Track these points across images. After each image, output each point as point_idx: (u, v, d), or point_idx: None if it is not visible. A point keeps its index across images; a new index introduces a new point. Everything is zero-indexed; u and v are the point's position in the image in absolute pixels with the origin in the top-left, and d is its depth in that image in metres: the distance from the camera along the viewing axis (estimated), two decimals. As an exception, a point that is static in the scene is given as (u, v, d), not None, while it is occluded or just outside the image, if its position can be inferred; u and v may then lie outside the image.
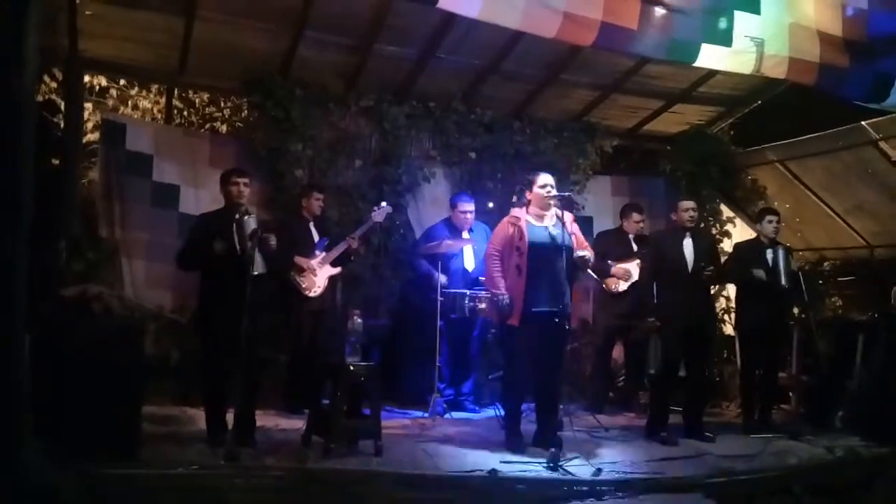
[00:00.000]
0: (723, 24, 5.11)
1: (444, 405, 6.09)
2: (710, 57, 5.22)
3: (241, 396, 4.51)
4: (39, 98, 6.84)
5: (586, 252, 5.05)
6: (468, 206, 6.32)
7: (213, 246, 4.51)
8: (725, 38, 5.14)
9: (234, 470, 3.92)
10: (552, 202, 5.03)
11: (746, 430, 5.85)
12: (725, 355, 7.28)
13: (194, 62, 6.43)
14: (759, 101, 7.68)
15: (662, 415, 5.51)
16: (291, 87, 6.58)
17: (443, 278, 6.08)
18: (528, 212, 5.09)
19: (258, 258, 4.42)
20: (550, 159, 7.40)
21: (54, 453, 3.36)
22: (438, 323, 5.97)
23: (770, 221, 6.09)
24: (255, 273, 4.42)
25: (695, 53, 5.19)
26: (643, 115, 7.92)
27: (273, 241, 4.55)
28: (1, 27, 3.18)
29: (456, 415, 6.09)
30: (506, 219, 5.19)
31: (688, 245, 5.58)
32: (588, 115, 7.75)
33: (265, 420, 5.24)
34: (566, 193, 5.15)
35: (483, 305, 5.95)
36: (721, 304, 7.50)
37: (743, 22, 5.15)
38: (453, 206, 6.41)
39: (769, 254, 5.95)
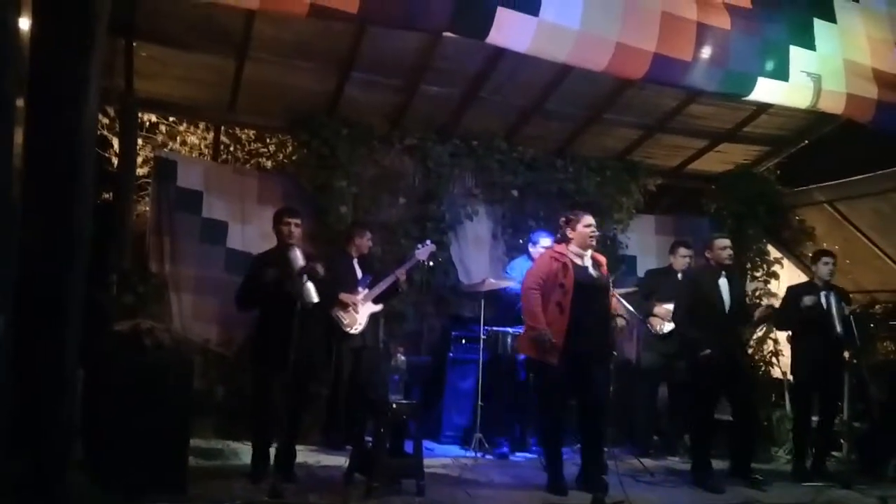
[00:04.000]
0: (778, 58, 5.03)
1: (509, 445, 6.07)
2: (765, 90, 5.11)
3: (286, 430, 4.52)
4: (94, 135, 7.05)
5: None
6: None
7: (265, 275, 4.57)
8: (782, 73, 5.04)
9: (278, 507, 3.93)
10: (593, 243, 5.04)
11: (797, 477, 5.70)
12: (774, 399, 7.10)
13: (244, 101, 6.58)
14: (806, 141, 7.59)
15: (705, 459, 5.39)
16: (337, 126, 6.66)
17: None
18: (569, 249, 5.07)
19: (310, 288, 4.43)
20: (593, 198, 7.39)
21: (104, 487, 3.40)
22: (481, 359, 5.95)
23: (826, 263, 5.95)
24: (312, 302, 4.40)
25: (750, 86, 5.07)
26: (687, 153, 7.87)
27: (320, 269, 4.59)
28: (68, 73, 3.32)
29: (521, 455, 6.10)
30: (547, 253, 5.18)
31: (723, 285, 5.49)
32: (631, 154, 7.73)
33: (306, 456, 5.25)
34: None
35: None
36: (769, 346, 7.33)
37: (799, 57, 5.07)
38: (534, 243, 6.41)
39: (822, 297, 5.80)
